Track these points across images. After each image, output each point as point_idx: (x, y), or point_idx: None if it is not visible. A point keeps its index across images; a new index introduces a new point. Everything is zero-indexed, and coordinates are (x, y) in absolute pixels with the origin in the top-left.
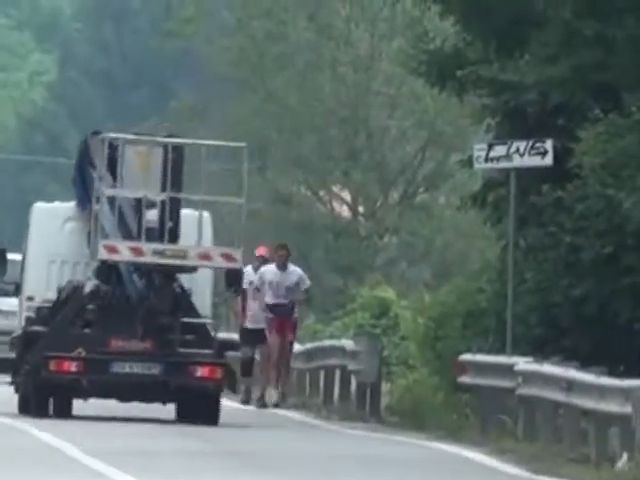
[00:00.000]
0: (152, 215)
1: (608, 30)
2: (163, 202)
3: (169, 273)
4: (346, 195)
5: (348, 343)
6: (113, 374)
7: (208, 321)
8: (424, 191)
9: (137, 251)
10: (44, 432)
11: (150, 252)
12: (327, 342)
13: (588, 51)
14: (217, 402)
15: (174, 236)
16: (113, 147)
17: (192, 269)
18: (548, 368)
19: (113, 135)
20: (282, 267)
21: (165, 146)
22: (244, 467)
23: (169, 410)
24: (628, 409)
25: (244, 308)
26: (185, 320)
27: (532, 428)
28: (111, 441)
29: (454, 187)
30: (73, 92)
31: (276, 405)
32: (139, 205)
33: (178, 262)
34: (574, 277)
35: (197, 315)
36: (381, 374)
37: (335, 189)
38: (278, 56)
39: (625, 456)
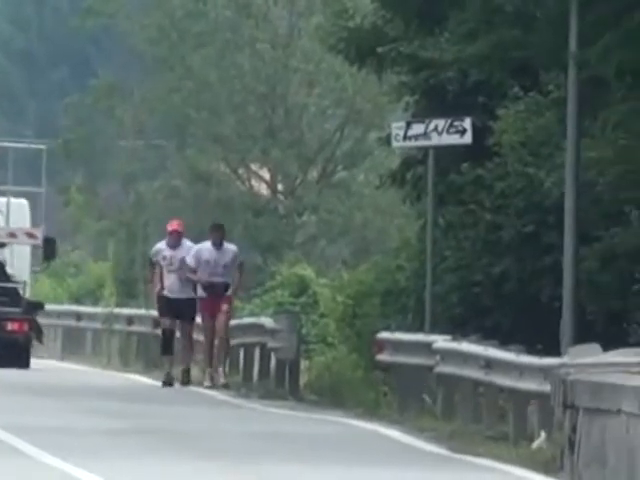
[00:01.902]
0: None
1: (527, 8)
2: None
3: None
4: (265, 173)
5: (267, 321)
6: None
7: (18, 285)
8: (343, 169)
9: None
10: None
11: None
12: (246, 320)
13: (507, 29)
14: (27, 351)
15: None
16: None
17: (1, 245)
18: (466, 346)
19: None
20: (218, 245)
21: None
22: (163, 445)
23: None
24: (546, 387)
25: (161, 280)
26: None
27: (451, 406)
28: (22, 415)
29: (373, 165)
30: None
31: (225, 385)
32: None
33: None
34: (494, 255)
35: (9, 281)
36: (300, 352)
37: (254, 167)
38: (197, 34)
39: (543, 434)
